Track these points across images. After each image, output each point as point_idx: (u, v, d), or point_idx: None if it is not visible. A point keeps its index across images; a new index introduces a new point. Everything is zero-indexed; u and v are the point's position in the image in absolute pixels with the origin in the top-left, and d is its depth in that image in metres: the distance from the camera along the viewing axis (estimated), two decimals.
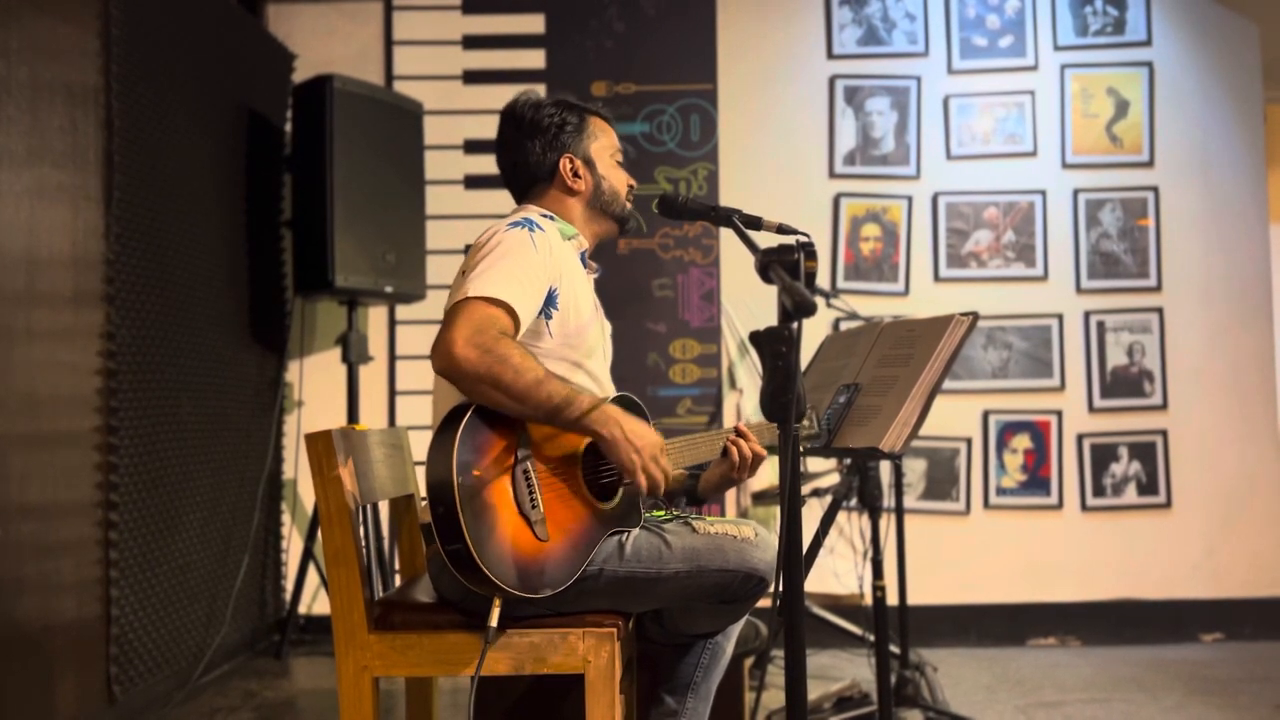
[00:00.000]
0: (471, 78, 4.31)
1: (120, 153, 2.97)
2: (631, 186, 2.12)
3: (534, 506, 1.75)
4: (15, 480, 2.52)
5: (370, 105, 3.86)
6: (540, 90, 4.21)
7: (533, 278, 1.83)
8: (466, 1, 4.33)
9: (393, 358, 4.30)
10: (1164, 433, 4.21)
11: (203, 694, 3.36)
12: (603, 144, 2.09)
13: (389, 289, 3.86)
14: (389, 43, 4.33)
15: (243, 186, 3.85)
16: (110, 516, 2.89)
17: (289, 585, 4.08)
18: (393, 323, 4.31)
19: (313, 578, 4.02)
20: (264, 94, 4.03)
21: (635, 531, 1.90)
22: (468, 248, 1.93)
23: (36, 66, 2.63)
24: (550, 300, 1.88)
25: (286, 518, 4.18)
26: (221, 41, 3.69)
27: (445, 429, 1.72)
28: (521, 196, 2.10)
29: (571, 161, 2.04)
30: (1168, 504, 4.20)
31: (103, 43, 2.93)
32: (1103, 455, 4.21)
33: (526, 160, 2.04)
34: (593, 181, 2.06)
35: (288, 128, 4.13)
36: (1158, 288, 4.26)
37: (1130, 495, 4.21)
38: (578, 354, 1.95)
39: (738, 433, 2.00)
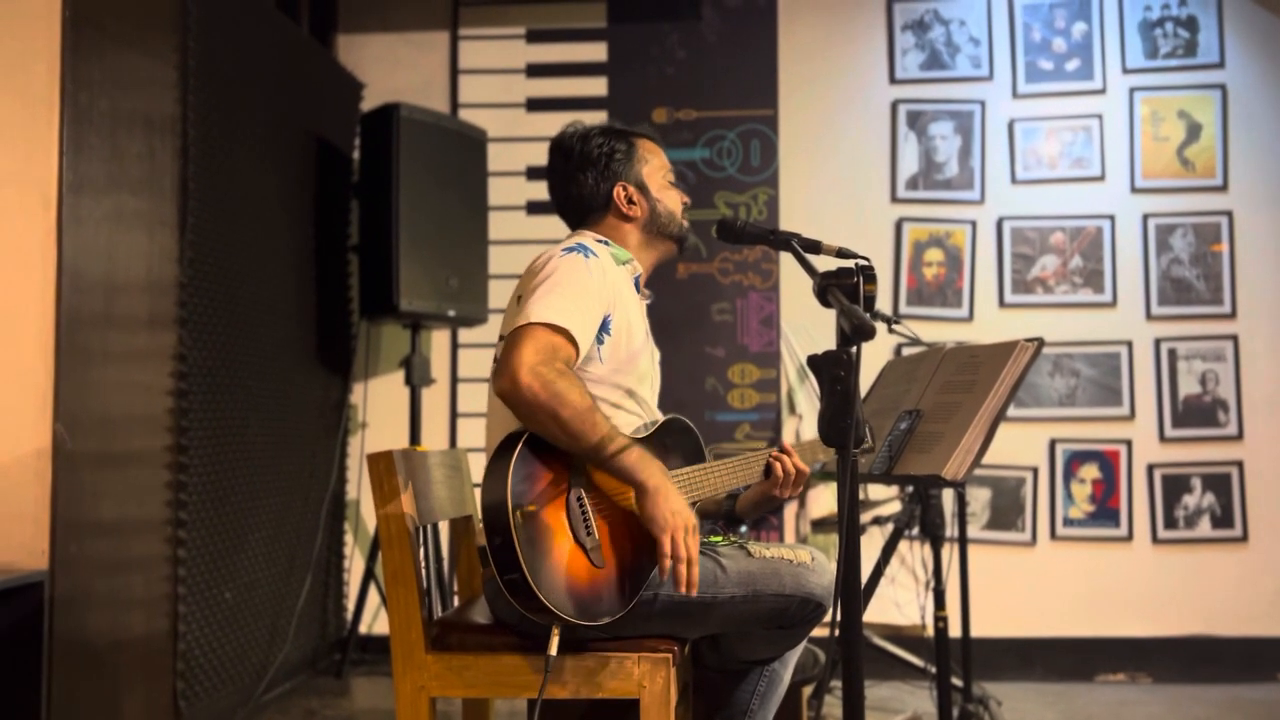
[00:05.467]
0: (534, 105, 4.37)
1: (195, 180, 3.06)
2: (686, 204, 2.12)
3: (589, 533, 1.76)
4: (89, 497, 2.59)
5: (436, 133, 3.93)
6: (601, 117, 4.29)
7: (589, 303, 1.84)
8: (530, 31, 4.40)
9: (454, 380, 4.35)
10: (1239, 464, 4.09)
11: (265, 711, 3.41)
12: (654, 166, 2.09)
13: (452, 313, 3.91)
14: (454, 71, 4.41)
15: (311, 212, 3.94)
16: (179, 534, 2.96)
17: (350, 605, 4.13)
18: (455, 346, 4.36)
19: (374, 598, 4.07)
20: (333, 122, 4.13)
21: None
22: None
23: (116, 97, 2.72)
24: (604, 326, 1.89)
25: (349, 538, 4.24)
26: (293, 72, 3.79)
27: (499, 457, 1.73)
28: (576, 225, 2.11)
29: (625, 189, 2.05)
30: (1244, 537, 4.07)
31: (180, 74, 3.03)
32: (1174, 486, 4.10)
33: (581, 192, 2.06)
34: (648, 206, 2.07)
35: (356, 155, 4.22)
36: (1232, 315, 4.14)
37: (1204, 528, 4.08)
38: (629, 380, 1.95)
39: (781, 450, 1.99)
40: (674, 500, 1.75)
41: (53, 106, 2.50)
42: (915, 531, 2.90)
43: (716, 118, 4.31)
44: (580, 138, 2.07)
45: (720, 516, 2.09)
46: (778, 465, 1.97)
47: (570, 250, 1.90)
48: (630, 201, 2.05)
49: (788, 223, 4.21)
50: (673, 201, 2.09)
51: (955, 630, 2.96)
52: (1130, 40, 4.25)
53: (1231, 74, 4.21)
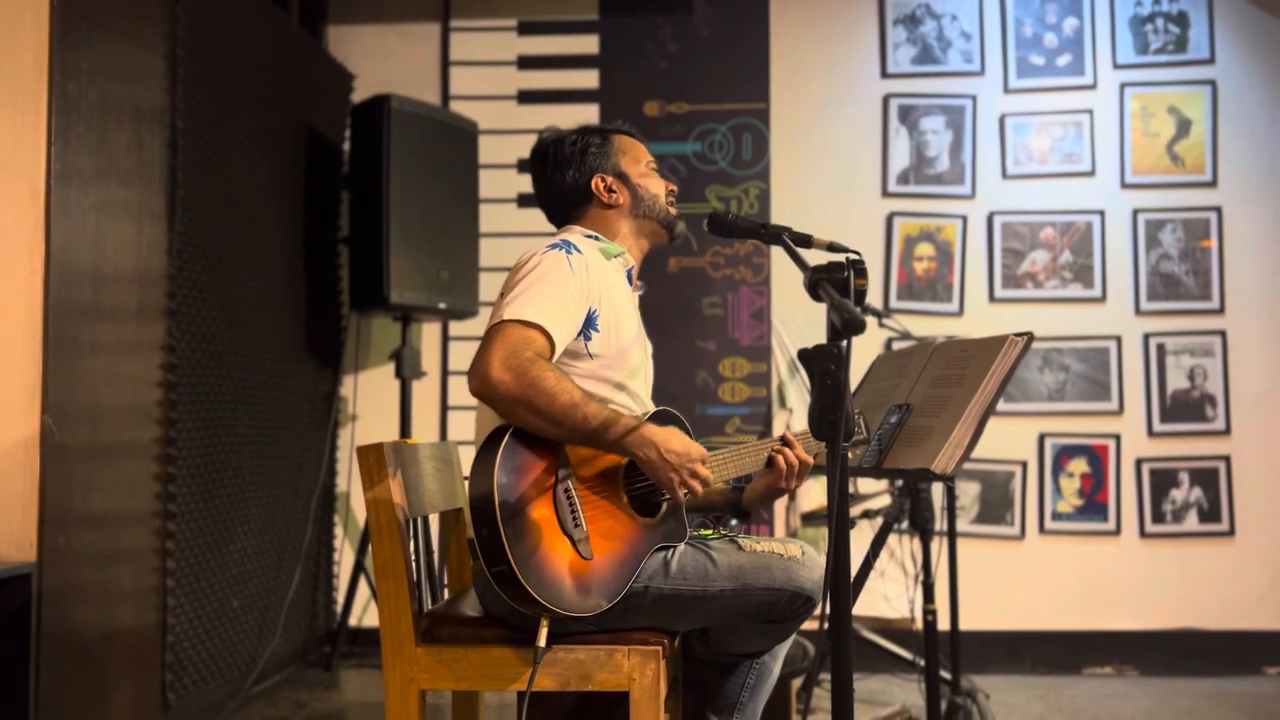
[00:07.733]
0: (526, 98, 4.36)
1: (184, 171, 3.05)
2: (672, 191, 2.12)
3: (576, 525, 1.76)
4: (78, 489, 2.58)
5: (426, 125, 3.92)
6: (593, 110, 4.28)
7: (569, 300, 1.84)
8: (522, 23, 4.39)
9: (445, 373, 4.34)
10: (1227, 459, 4.11)
11: (254, 703, 3.41)
12: (632, 157, 2.09)
13: (442, 305, 3.90)
14: (445, 63, 4.40)
15: (302, 204, 3.92)
16: (168, 526, 2.95)
17: (340, 597, 4.13)
18: (445, 338, 4.35)
19: (363, 590, 4.06)
20: (324, 113, 4.11)
21: (681, 548, 1.89)
22: None
23: (105, 87, 2.71)
24: (590, 322, 1.89)
25: (339, 530, 4.23)
26: (283, 62, 3.78)
27: (485, 451, 1.73)
28: (563, 223, 2.12)
29: (604, 179, 2.06)
30: (1230, 532, 4.09)
31: (169, 64, 3.01)
32: (1162, 481, 4.12)
33: (561, 189, 2.08)
34: (629, 193, 2.07)
35: (346, 146, 4.21)
36: (1220, 310, 4.16)
37: (1191, 522, 4.10)
38: (620, 374, 1.95)
39: (783, 440, 1.98)
40: (670, 452, 1.76)
41: (41, 96, 2.48)
42: (905, 525, 2.90)
43: (708, 111, 4.31)
44: (555, 140, 2.09)
45: (725, 508, 2.10)
46: (780, 459, 1.96)
47: (553, 247, 1.90)
48: (610, 190, 2.06)
49: (779, 216, 4.21)
50: (655, 186, 2.09)
51: (944, 623, 2.97)
52: (1121, 36, 4.26)
53: (1221, 70, 4.22)
